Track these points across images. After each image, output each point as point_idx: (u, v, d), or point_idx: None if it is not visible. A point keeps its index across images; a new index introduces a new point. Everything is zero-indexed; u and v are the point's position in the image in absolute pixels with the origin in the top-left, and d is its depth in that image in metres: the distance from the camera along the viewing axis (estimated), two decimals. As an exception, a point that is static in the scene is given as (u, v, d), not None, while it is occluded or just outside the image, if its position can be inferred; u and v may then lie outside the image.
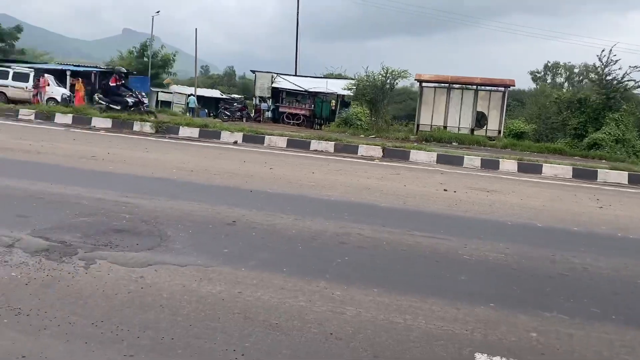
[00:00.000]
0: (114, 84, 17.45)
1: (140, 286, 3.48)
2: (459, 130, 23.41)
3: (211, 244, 4.56)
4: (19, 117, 15.25)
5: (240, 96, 53.87)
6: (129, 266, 3.82)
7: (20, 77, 25.21)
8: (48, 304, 3.10)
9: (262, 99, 32.52)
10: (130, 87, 18.93)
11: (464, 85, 24.44)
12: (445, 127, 23.50)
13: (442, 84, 24.37)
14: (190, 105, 36.23)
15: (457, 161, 12.68)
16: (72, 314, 3.00)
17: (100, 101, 17.40)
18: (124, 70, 20.05)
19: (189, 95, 39.40)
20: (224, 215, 5.51)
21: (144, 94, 18.79)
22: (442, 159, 12.72)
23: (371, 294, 3.66)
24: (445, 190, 8.32)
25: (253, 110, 33.21)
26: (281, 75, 32.57)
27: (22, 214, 4.97)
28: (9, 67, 25.96)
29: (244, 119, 30.06)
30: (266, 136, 13.83)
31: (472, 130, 23.55)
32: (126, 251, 4.14)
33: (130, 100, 17.16)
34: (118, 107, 16.74)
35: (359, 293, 3.67)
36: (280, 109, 31.30)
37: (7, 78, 24.96)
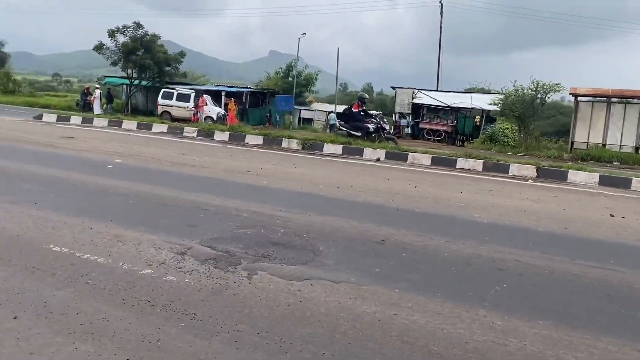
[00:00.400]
0: (357, 110, 17.24)
1: (298, 300, 3.59)
2: (620, 148, 21.13)
3: (362, 262, 4.57)
4: (184, 134, 16.92)
5: (378, 112, 54.35)
6: (287, 279, 3.97)
7: (183, 97, 27.98)
8: (217, 311, 3.32)
9: (402, 115, 32.37)
10: (370, 114, 18.41)
11: (626, 100, 22.06)
12: (604, 144, 21.38)
13: (601, 98, 22.24)
14: (330, 122, 37.36)
15: (624, 183, 11.38)
16: (239, 322, 3.18)
17: (341, 127, 17.44)
18: (366, 96, 19.75)
19: (329, 113, 40.65)
20: (372, 233, 5.52)
21: (385, 120, 18.20)
22: (605, 181, 11.52)
23: (536, 327, 3.39)
24: (611, 215, 7.50)
25: (392, 127, 33.21)
26: (422, 91, 32.18)
27: (191, 223, 5.45)
28: (173, 88, 28.98)
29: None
30: (409, 153, 13.69)
31: (637, 149, 21.12)
32: (283, 264, 4.32)
33: (371, 126, 16.85)
34: (359, 134, 16.61)
35: (522, 324, 3.41)
36: (421, 125, 30.87)
37: (172, 99, 27.87)
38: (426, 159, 13.39)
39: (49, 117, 19.56)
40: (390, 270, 4.39)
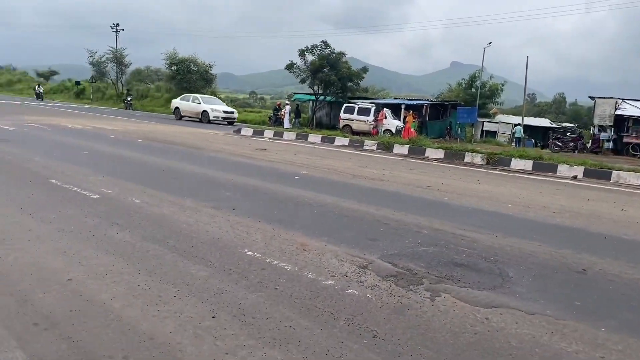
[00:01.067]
0: None
1: (486, 328, 3.30)
2: None
3: (559, 293, 4.07)
4: (364, 147, 17.32)
5: (572, 125, 49.51)
6: (473, 304, 3.70)
7: (363, 111, 28.75)
8: (400, 331, 3.21)
9: (602, 128, 28.95)
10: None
11: None
12: None
13: None
14: (516, 135, 35.07)
15: None
16: (422, 346, 3.02)
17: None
18: None
19: (515, 125, 38.21)
20: (570, 261, 4.91)
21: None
22: None
23: None
24: None
25: (590, 141, 29.88)
26: (627, 101, 28.47)
27: (372, 237, 5.44)
28: (355, 103, 29.96)
29: (577, 151, 27.29)
30: (614, 171, 12.09)
31: None
32: (469, 288, 4.04)
33: None
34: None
35: None
36: (625, 139, 27.30)
37: (353, 113, 28.83)
38: (635, 178, 11.68)
39: (246, 131, 21.64)
40: (594, 305, 3.84)
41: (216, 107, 29.18)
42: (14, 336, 2.89)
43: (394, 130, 26.90)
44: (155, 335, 3.01)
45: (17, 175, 7.79)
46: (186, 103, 30.18)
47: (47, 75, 72.23)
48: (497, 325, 3.36)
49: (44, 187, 7.06)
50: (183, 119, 29.63)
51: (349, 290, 3.87)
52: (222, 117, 28.67)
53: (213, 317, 3.28)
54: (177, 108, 30.50)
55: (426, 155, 15.49)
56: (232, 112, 30.01)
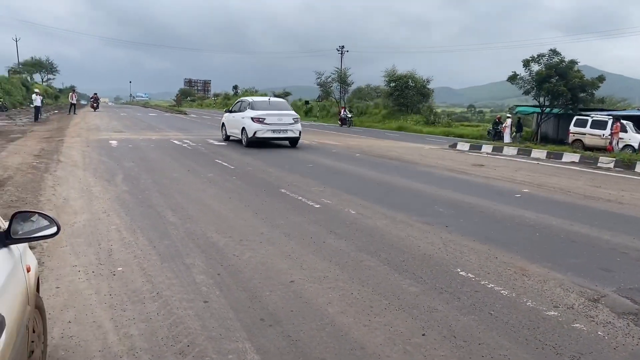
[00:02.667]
0: None
1: None
2: None
3: None
4: (598, 164, 15.39)
5: None
6: None
7: (598, 124, 25.57)
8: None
9: None
10: None
11: None
12: None
13: None
14: None
15: None
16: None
17: None
18: None
19: None
20: None
21: None
22: None
23: None
24: None
25: None
26: None
27: (605, 267, 4.77)
28: (588, 115, 26.87)
29: None
30: None
31: None
32: None
33: None
34: None
35: None
36: None
37: (585, 126, 25.87)
38: None
39: (462, 145, 21.09)
40: None
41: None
42: (245, 328, 3.25)
43: (636, 146, 23.37)
44: (366, 345, 3.08)
45: (255, 184, 8.86)
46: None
47: (282, 96, 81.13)
48: None
49: (275, 195, 7.89)
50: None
51: (576, 325, 3.44)
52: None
53: (423, 334, 3.22)
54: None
55: (680, 175, 13.04)
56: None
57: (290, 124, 16.00)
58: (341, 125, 37.91)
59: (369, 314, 3.52)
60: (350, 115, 40.34)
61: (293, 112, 16.76)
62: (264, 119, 15.47)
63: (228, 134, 17.79)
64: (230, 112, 17.87)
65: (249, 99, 17.23)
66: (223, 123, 18.32)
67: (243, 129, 15.97)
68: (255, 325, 3.30)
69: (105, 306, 3.52)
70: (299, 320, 3.39)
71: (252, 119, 15.54)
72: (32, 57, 63.15)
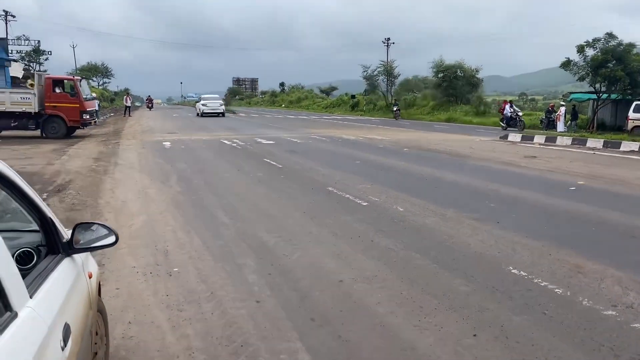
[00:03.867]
0: None
1: None
2: None
3: None
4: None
5: None
6: None
7: (661, 110, 24.29)
8: None
9: None
10: None
11: None
12: None
13: None
14: None
15: None
16: None
17: None
18: None
19: None
20: None
21: None
22: None
23: None
24: None
25: None
26: None
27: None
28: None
29: None
30: None
31: None
32: None
33: None
34: None
35: None
36: None
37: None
38: None
39: (514, 136, 20.52)
40: None
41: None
42: (296, 329, 3.32)
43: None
44: (417, 345, 3.09)
45: (302, 183, 8.96)
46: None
47: (328, 91, 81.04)
48: None
49: (322, 194, 7.95)
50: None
51: (635, 325, 3.33)
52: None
53: (474, 335, 3.20)
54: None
55: None
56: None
57: (220, 105, 37.99)
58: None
59: (419, 314, 3.52)
60: (395, 109, 39.94)
61: (220, 101, 39.59)
62: (206, 104, 37.26)
63: (197, 112, 38.74)
64: (199, 102, 39.83)
65: (203, 96, 40.82)
66: (197, 107, 39.61)
67: (199, 108, 37.73)
68: (306, 325, 3.37)
69: (162, 306, 3.68)
70: (349, 320, 3.43)
71: (202, 104, 37.62)
72: (88, 62, 65.72)
